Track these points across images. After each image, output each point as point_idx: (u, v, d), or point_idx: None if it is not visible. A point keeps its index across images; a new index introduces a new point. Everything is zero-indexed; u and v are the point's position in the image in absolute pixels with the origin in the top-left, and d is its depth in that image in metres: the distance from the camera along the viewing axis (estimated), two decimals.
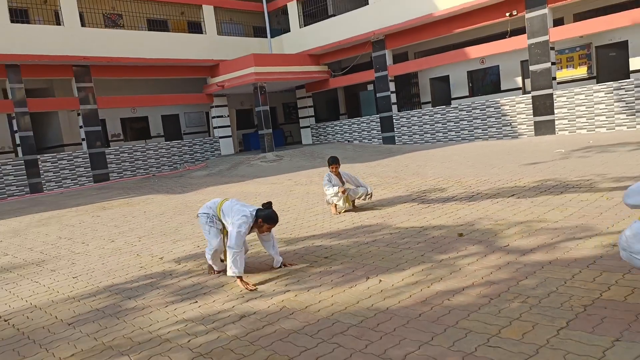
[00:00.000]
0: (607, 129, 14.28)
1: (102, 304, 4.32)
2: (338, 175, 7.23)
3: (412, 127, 19.33)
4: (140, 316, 3.87)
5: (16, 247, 7.49)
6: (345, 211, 7.26)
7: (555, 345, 2.59)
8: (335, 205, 7.18)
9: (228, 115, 22.41)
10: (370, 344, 2.93)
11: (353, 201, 7.35)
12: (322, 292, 3.97)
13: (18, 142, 16.83)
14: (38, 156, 17.12)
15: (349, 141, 21.77)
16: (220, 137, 22.03)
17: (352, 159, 15.78)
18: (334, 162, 7.25)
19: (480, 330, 2.90)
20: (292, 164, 16.58)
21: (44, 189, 17.16)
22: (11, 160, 16.71)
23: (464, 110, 17.75)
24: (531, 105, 15.79)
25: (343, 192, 7.05)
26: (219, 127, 22.05)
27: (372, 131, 20.82)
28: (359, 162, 14.72)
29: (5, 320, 4.16)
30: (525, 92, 17.46)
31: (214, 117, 22.08)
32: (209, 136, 23.07)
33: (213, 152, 21.86)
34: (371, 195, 7.27)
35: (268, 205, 4.47)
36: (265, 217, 4.38)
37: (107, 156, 18.72)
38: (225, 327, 3.45)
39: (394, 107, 19.88)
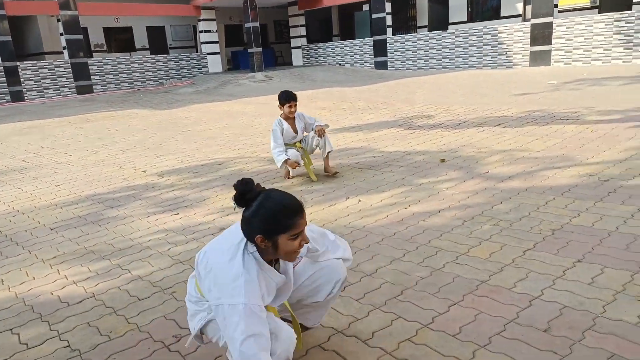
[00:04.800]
0: (602, 62, 14.06)
1: (84, 211, 4.36)
2: (293, 120, 4.90)
3: (406, 52, 18.82)
4: (122, 225, 3.93)
5: None
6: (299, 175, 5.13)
7: (519, 264, 2.71)
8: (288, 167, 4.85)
9: (216, 31, 21.53)
10: None
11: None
12: None
13: None
14: (18, 63, 16.49)
15: (340, 64, 21.24)
16: (208, 54, 21.33)
17: (342, 83, 15.48)
18: (288, 98, 4.77)
19: (450, 249, 3.00)
20: (282, 85, 16.23)
21: (26, 97, 16.72)
22: None
23: (461, 36, 17.24)
24: (529, 34, 15.37)
25: (293, 166, 4.77)
26: (207, 42, 21.26)
27: (364, 55, 20.26)
28: (349, 85, 14.46)
29: None
30: (524, 20, 16.91)
31: (201, 32, 21.22)
32: (197, 52, 22.32)
33: (200, 69, 21.26)
34: (327, 154, 4.98)
35: (246, 184, 1.61)
36: (271, 220, 1.58)
37: (90, 67, 18.10)
38: (205, 237, 3.53)
39: (389, 30, 19.21)
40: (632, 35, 13.42)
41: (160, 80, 20.11)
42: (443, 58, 17.86)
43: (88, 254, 3.38)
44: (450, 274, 2.68)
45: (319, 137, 4.87)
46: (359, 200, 4.13)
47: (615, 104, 7.41)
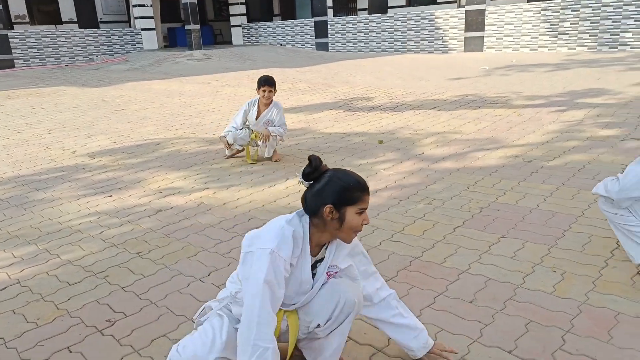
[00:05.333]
0: (530, 50, 14.83)
1: (7, 194, 4.09)
2: (266, 107, 4.63)
3: (347, 34, 18.90)
4: (50, 208, 3.73)
5: None
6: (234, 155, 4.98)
7: (449, 241, 2.86)
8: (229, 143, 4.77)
9: (151, 5, 20.54)
10: None
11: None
12: (241, 190, 4.01)
13: None
14: None
15: (281, 44, 21.00)
16: (143, 29, 20.33)
17: (283, 63, 15.34)
18: (264, 82, 4.50)
19: (386, 228, 3.11)
20: (221, 64, 15.84)
21: None
22: None
23: (400, 20, 17.53)
24: (464, 20, 15.89)
25: (224, 144, 4.78)
26: (141, 17, 20.24)
27: (305, 36, 20.14)
28: (290, 66, 14.36)
29: None
30: (459, 6, 17.44)
31: (135, 6, 20.15)
32: (130, 27, 21.21)
33: (134, 45, 20.27)
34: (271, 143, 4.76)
35: (320, 159, 1.65)
36: (344, 190, 1.59)
37: (10, 40, 16.76)
38: (141, 220, 3.43)
39: (330, 12, 19.18)
40: (557, 24, 14.22)
41: (90, 56, 18.99)
42: (383, 41, 18.11)
43: (12, 238, 3.19)
44: (385, 251, 2.78)
45: (262, 140, 4.66)
46: (299, 182, 4.15)
47: (540, 90, 7.87)
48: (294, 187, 4.00)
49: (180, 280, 2.55)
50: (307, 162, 1.62)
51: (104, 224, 3.38)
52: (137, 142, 5.86)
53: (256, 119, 4.66)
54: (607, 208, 2.34)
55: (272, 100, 4.64)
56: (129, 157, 5.18)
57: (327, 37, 19.42)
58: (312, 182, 1.62)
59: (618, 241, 2.51)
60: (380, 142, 5.31)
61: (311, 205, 1.60)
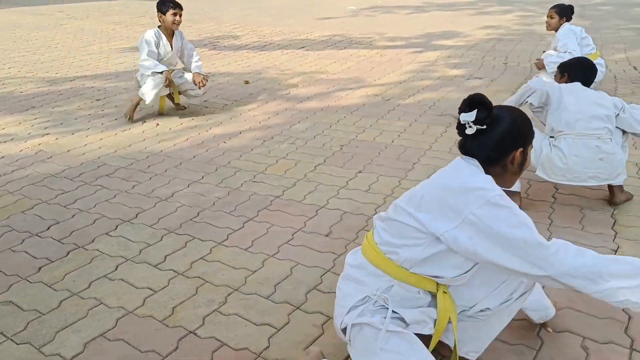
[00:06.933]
0: None
1: None
2: (172, 36, 3.92)
3: None
4: None
5: None
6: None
7: (310, 178, 2.90)
8: (138, 101, 3.93)
9: None
10: (138, 184, 2.85)
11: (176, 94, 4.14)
12: (90, 135, 3.64)
13: None
14: None
15: None
16: None
17: None
18: (174, 4, 3.79)
19: (249, 169, 3.05)
20: None
21: None
22: None
23: None
24: None
25: (168, 85, 3.85)
26: None
27: None
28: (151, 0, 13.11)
29: None
30: None
31: None
32: None
33: None
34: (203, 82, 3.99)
35: (490, 105, 1.36)
36: (529, 127, 1.43)
37: None
38: None
39: None
40: None
41: None
42: None
43: None
44: (247, 192, 2.74)
45: (198, 87, 3.95)
46: (157, 124, 3.89)
47: (401, 31, 8.21)
48: (151, 130, 3.73)
49: (11, 237, 2.26)
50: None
51: None
52: None
53: (171, 49, 3.91)
54: None
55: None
56: None
57: None
58: (484, 126, 1.31)
59: None
60: (246, 82, 5.15)
61: (493, 153, 1.32)
